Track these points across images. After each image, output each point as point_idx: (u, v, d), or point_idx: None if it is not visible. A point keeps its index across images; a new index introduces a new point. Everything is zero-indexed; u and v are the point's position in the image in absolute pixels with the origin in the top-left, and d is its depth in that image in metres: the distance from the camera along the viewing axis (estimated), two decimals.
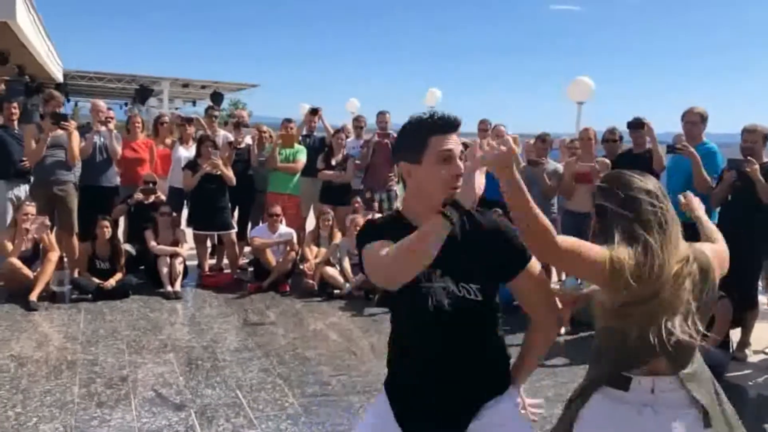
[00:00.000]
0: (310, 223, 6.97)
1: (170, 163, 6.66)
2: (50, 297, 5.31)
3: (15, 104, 6.08)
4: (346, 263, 6.00)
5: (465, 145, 1.66)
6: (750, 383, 4.24)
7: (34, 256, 5.45)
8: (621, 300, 1.66)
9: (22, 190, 5.90)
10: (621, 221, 1.69)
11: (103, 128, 6.15)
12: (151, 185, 6.24)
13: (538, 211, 1.57)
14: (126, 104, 27.71)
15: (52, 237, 5.57)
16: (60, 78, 17.40)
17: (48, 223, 5.50)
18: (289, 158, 6.64)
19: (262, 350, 4.35)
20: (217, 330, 4.78)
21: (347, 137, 7.08)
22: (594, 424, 1.70)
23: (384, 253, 1.47)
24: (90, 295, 5.40)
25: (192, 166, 6.18)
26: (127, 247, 6.03)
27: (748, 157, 4.31)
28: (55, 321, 4.83)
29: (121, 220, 6.47)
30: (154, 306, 5.34)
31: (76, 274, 5.66)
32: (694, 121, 4.86)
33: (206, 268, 6.34)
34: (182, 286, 5.81)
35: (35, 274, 5.29)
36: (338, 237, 6.26)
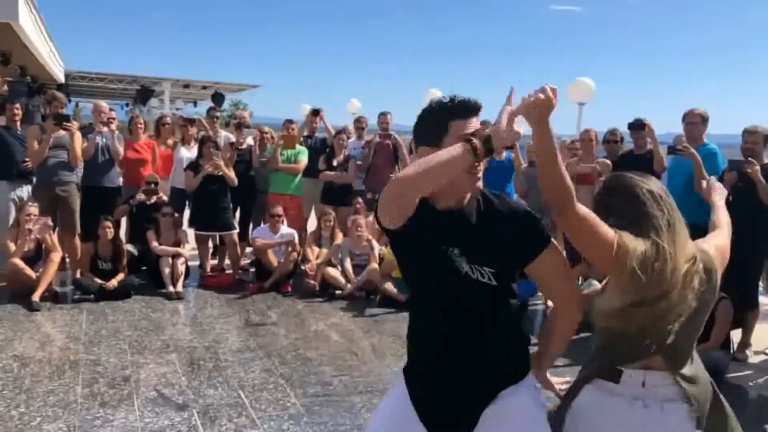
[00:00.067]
0: (312, 224, 6.99)
1: (172, 164, 6.68)
2: (53, 297, 5.33)
3: (18, 105, 6.10)
4: (348, 264, 6.02)
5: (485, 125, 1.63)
6: (751, 384, 4.25)
7: (37, 256, 5.47)
8: (628, 300, 1.65)
9: (25, 191, 5.91)
10: (627, 222, 1.69)
11: (105, 129, 6.17)
12: (152, 186, 6.26)
13: (564, 169, 1.57)
14: (127, 105, 27.75)
15: (55, 237, 5.58)
16: (61, 79, 17.42)
17: (50, 223, 5.51)
18: (291, 159, 6.66)
19: (264, 350, 4.36)
20: (219, 330, 4.80)
21: (348, 138, 7.09)
22: (584, 415, 1.71)
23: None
24: (92, 296, 5.42)
25: (194, 166, 6.20)
26: (129, 247, 6.05)
27: (749, 158, 4.32)
28: (57, 321, 4.85)
29: (123, 221, 6.49)
30: (156, 306, 5.35)
31: (78, 275, 5.68)
32: (695, 122, 4.88)
33: (208, 269, 6.35)
34: (184, 286, 5.83)
35: (38, 274, 5.31)
36: (339, 237, 6.27)
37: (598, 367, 1.73)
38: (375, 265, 5.96)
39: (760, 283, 5.01)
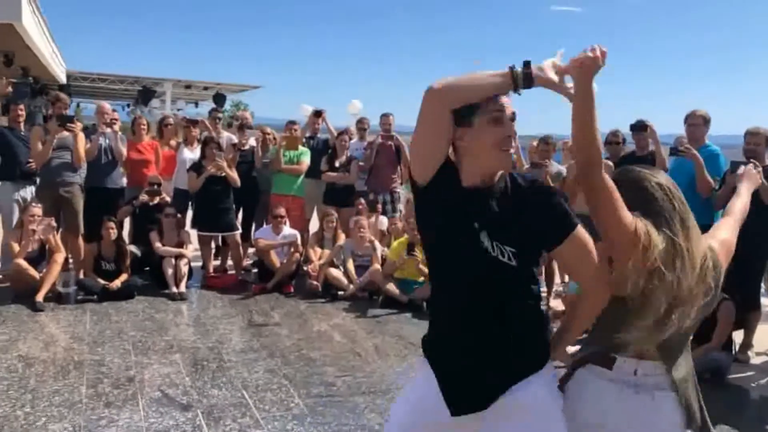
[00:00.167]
0: (314, 225, 7.01)
1: (175, 165, 6.70)
2: (56, 298, 5.35)
3: (21, 106, 6.12)
4: (350, 264, 6.03)
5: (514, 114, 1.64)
6: (752, 385, 4.26)
7: (41, 257, 5.48)
8: (636, 292, 1.64)
9: (28, 192, 5.93)
10: (639, 216, 1.67)
11: (108, 130, 6.19)
12: (155, 187, 6.28)
13: (599, 135, 1.59)
14: (128, 105, 27.80)
15: (58, 238, 5.60)
16: (63, 79, 17.47)
17: (54, 224, 5.53)
18: (293, 160, 6.68)
19: (267, 351, 4.38)
20: (222, 331, 4.81)
21: (351, 139, 7.11)
22: (576, 397, 1.73)
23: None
24: (95, 296, 5.43)
25: (197, 167, 6.22)
26: (132, 248, 6.06)
27: (751, 160, 4.33)
28: (61, 322, 4.87)
29: (126, 222, 6.51)
30: (159, 307, 5.37)
31: (81, 275, 5.70)
32: (697, 123, 4.89)
33: (211, 270, 6.37)
34: (187, 287, 5.84)
35: (41, 275, 5.33)
36: (342, 238, 6.29)
37: (592, 353, 1.75)
38: (377, 266, 5.98)
39: (762, 285, 5.02)
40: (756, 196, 4.33)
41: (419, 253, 5.75)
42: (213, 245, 6.69)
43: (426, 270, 5.72)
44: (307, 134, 7.22)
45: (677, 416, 1.70)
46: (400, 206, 7.10)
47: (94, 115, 6.77)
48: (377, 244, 6.19)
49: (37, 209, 5.45)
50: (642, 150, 5.41)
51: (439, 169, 1.62)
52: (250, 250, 6.91)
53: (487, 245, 1.58)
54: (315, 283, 6.00)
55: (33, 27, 8.73)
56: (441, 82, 1.53)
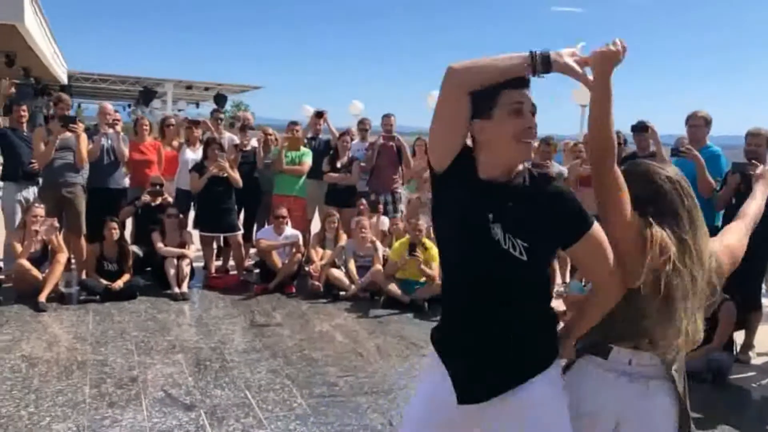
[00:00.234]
0: (316, 225, 7.02)
1: (177, 165, 6.72)
2: (59, 298, 5.37)
3: (24, 107, 6.15)
4: (352, 265, 6.04)
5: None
6: (754, 385, 4.27)
7: (43, 257, 5.50)
8: (636, 287, 1.66)
9: (31, 192, 5.95)
10: (646, 213, 1.67)
11: (111, 130, 6.21)
12: (157, 187, 6.30)
13: (612, 124, 1.61)
14: (129, 106, 27.82)
15: (61, 239, 5.61)
16: (64, 80, 17.48)
17: (57, 224, 5.55)
18: (295, 161, 6.69)
19: (270, 351, 4.39)
20: (224, 331, 4.82)
21: (352, 140, 7.13)
22: (574, 386, 1.75)
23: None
24: (98, 297, 5.45)
25: (199, 168, 6.23)
26: (135, 248, 6.08)
27: (753, 161, 4.34)
28: (64, 322, 4.88)
29: (129, 222, 6.52)
30: (161, 307, 5.38)
31: (84, 276, 5.72)
32: (698, 124, 4.91)
33: (212, 270, 6.39)
34: (189, 287, 5.86)
35: (44, 275, 5.34)
36: (344, 239, 6.30)
37: (589, 343, 1.78)
38: (379, 266, 5.99)
39: (763, 285, 5.03)
40: None
41: (421, 254, 5.76)
42: (215, 246, 6.70)
43: (427, 270, 5.74)
44: (309, 135, 7.24)
45: (671, 405, 1.73)
46: (402, 207, 7.12)
47: (96, 116, 6.78)
48: (379, 244, 6.20)
49: (40, 210, 5.46)
50: (643, 151, 5.41)
51: (457, 159, 1.63)
52: (252, 251, 6.92)
53: (499, 237, 1.59)
54: (316, 283, 6.02)
55: (35, 28, 8.75)
56: (460, 63, 1.55)
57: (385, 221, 6.82)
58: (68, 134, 5.69)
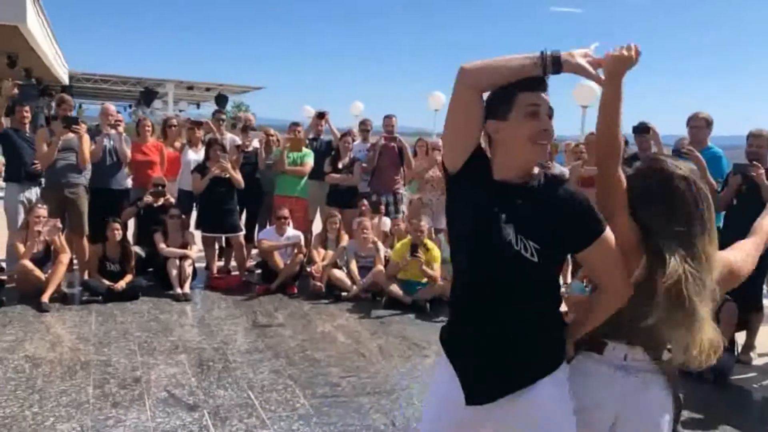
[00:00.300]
0: (317, 226, 7.04)
1: (179, 166, 6.73)
2: (61, 298, 5.38)
3: (27, 108, 6.15)
4: (353, 266, 6.06)
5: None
6: (755, 386, 4.28)
7: (46, 257, 5.51)
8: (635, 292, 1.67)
9: (34, 193, 5.96)
10: (661, 215, 1.66)
11: (113, 131, 6.22)
12: (160, 188, 6.31)
13: (620, 126, 1.64)
14: (130, 106, 27.84)
15: (63, 239, 5.63)
16: (66, 80, 17.51)
17: (59, 225, 5.56)
18: (297, 161, 6.71)
19: (272, 352, 4.40)
20: (226, 331, 4.84)
21: (354, 141, 7.14)
22: (573, 380, 1.77)
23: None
24: (100, 297, 5.46)
25: (201, 169, 6.24)
26: (137, 249, 6.09)
27: (754, 162, 4.36)
28: (67, 322, 4.89)
29: (131, 223, 6.53)
30: (164, 308, 5.39)
31: (86, 276, 5.73)
32: (700, 126, 4.92)
33: (215, 270, 6.40)
34: (191, 288, 5.87)
35: (47, 275, 5.35)
36: (345, 240, 6.31)
37: (586, 339, 1.80)
38: (380, 267, 6.01)
39: (765, 286, 5.03)
40: (759, 199, 4.38)
41: (422, 255, 5.78)
42: (217, 246, 6.72)
43: (429, 271, 5.76)
44: (311, 136, 7.25)
45: (666, 397, 1.76)
46: (403, 207, 7.13)
47: (99, 116, 6.79)
48: (380, 245, 6.21)
49: (43, 210, 5.47)
50: (644, 152, 5.41)
51: (471, 160, 1.64)
52: (254, 251, 6.94)
53: (511, 238, 1.59)
54: (318, 284, 6.03)
55: (37, 29, 8.77)
56: (472, 63, 1.57)
57: (386, 222, 6.83)
58: (71, 135, 5.70)
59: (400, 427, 3.33)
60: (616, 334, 1.75)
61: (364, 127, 7.52)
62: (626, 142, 5.84)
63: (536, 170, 1.66)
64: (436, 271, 5.79)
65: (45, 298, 5.17)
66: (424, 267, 5.76)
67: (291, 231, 6.30)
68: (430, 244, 5.90)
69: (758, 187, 4.29)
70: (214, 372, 3.98)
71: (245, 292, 5.99)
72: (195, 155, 6.64)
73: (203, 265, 6.44)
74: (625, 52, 1.56)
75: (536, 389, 1.64)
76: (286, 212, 6.29)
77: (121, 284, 5.54)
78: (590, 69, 1.57)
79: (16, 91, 5.89)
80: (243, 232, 6.49)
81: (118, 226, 5.73)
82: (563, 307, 2.07)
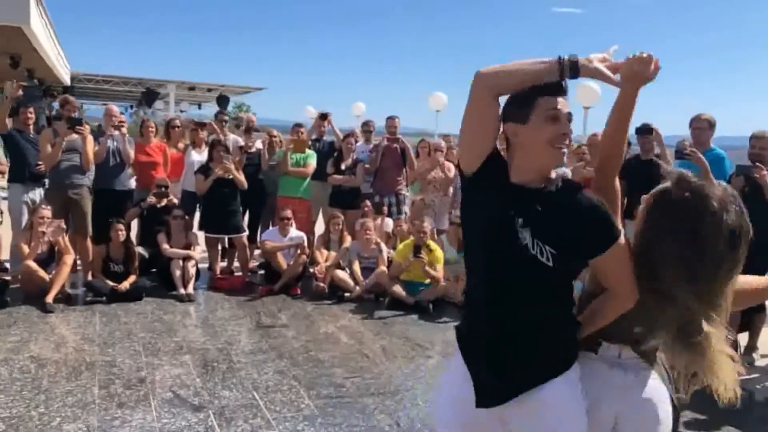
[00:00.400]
0: (320, 227, 7.05)
1: (183, 167, 6.75)
2: (65, 299, 5.40)
3: (31, 109, 6.18)
4: (356, 266, 6.07)
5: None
6: (758, 387, 4.29)
7: (50, 258, 5.53)
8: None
9: (38, 194, 5.98)
10: (683, 251, 1.58)
11: (116, 132, 6.23)
12: (163, 189, 6.33)
13: (627, 132, 1.68)
14: (131, 107, 27.86)
15: (67, 240, 5.64)
16: (68, 81, 17.53)
17: (63, 226, 5.58)
18: (300, 162, 6.72)
19: (276, 352, 4.42)
20: (230, 332, 4.85)
21: (356, 141, 7.16)
22: None
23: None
24: (104, 298, 5.48)
25: (204, 170, 6.26)
26: (140, 250, 6.11)
27: (757, 163, 4.37)
28: (71, 323, 4.91)
29: (134, 224, 6.55)
30: (167, 308, 5.41)
31: (90, 277, 5.75)
32: (702, 127, 4.93)
33: (218, 271, 6.41)
34: (194, 288, 5.88)
35: (51, 276, 5.37)
36: (348, 240, 6.33)
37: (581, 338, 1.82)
38: (383, 267, 6.02)
39: None
40: (762, 200, 4.38)
41: (425, 255, 5.79)
42: (220, 247, 6.74)
43: (432, 272, 5.77)
44: (313, 137, 7.26)
45: (663, 388, 1.78)
46: (406, 208, 7.15)
47: (102, 118, 6.80)
48: (383, 246, 6.23)
49: (46, 211, 5.49)
50: (647, 153, 5.44)
51: (488, 162, 1.65)
52: (257, 252, 6.96)
53: (527, 242, 1.60)
54: (321, 284, 6.05)
55: (40, 29, 8.79)
56: (489, 67, 1.57)
57: (389, 223, 6.84)
58: (74, 136, 5.72)
59: (405, 428, 3.35)
60: (608, 337, 1.78)
61: (367, 128, 7.53)
62: (629, 143, 5.86)
63: (554, 174, 1.67)
64: (439, 271, 5.80)
65: (49, 298, 5.19)
66: (427, 268, 5.77)
67: (294, 232, 6.32)
68: (432, 244, 5.91)
69: (761, 189, 4.29)
70: (218, 372, 4.00)
71: (248, 292, 6.00)
72: (198, 156, 6.66)
73: (206, 265, 6.46)
74: (645, 70, 1.56)
75: (548, 389, 1.65)
76: (289, 213, 6.30)
77: (125, 285, 5.56)
78: (608, 73, 1.58)
79: (20, 92, 5.91)
80: (246, 233, 6.51)
81: (121, 226, 5.75)
82: None
